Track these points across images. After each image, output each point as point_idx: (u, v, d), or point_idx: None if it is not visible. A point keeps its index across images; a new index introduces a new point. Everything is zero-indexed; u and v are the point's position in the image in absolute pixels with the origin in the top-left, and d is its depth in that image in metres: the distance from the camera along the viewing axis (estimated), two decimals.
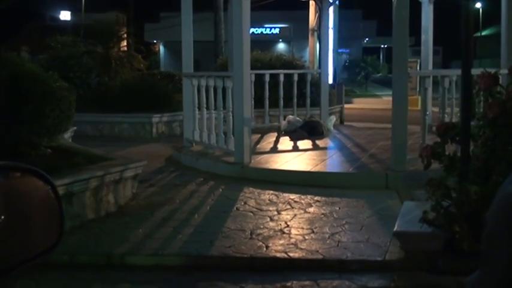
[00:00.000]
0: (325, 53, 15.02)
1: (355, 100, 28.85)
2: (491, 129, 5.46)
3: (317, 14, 17.86)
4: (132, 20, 41.27)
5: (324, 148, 11.71)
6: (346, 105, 18.98)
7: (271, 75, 13.81)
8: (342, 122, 16.95)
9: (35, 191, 1.47)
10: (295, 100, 13.88)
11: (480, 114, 5.77)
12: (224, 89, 10.42)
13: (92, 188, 7.20)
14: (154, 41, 50.18)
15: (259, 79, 13.55)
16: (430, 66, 14.19)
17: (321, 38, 15.51)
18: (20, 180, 1.45)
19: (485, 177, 5.38)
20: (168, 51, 47.93)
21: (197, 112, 11.38)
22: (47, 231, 1.49)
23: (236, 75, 9.77)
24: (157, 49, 51.36)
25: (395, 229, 5.84)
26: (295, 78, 13.93)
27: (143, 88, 15.79)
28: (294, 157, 10.50)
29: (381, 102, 26.00)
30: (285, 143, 12.20)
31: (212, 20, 25.42)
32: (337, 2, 16.06)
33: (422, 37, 14.01)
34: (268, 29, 46.98)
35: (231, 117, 10.21)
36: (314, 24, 20.29)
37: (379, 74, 45.49)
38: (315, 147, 11.68)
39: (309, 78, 14.39)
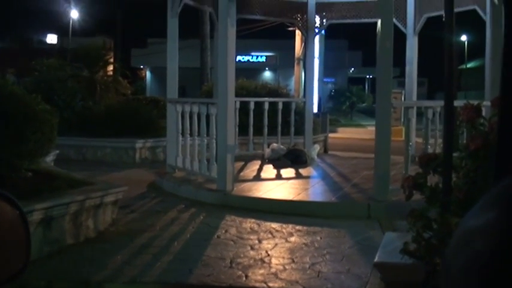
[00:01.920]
0: (310, 82, 15.06)
1: (340, 129, 28.90)
2: (473, 161, 5.46)
3: (303, 44, 17.98)
4: (120, 45, 41.31)
5: (307, 177, 11.70)
6: (330, 134, 18.98)
7: (256, 102, 13.83)
8: (326, 151, 16.94)
9: (2, 216, 1.43)
10: (279, 128, 13.92)
11: (463, 146, 5.77)
12: (208, 116, 10.40)
13: (72, 212, 7.12)
14: (141, 66, 50.27)
15: (244, 106, 13.58)
16: (415, 97, 14.26)
17: (307, 67, 15.58)
18: None
19: (467, 210, 5.35)
20: (155, 76, 48.04)
21: (181, 138, 11.35)
22: (13, 257, 1.45)
23: (220, 102, 9.77)
24: (144, 74, 51.42)
25: (375, 260, 5.80)
26: (280, 106, 13.98)
27: (128, 113, 15.74)
28: (276, 185, 10.47)
29: (366, 132, 26.05)
30: (269, 171, 12.18)
31: (199, 46, 25.53)
32: (323, 32, 16.13)
33: (407, 68, 14.10)
34: (254, 57, 47.27)
35: (214, 144, 10.19)
36: (300, 53, 20.44)
37: (364, 104, 45.70)
38: (298, 176, 11.66)
39: (293, 106, 14.45)
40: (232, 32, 9.72)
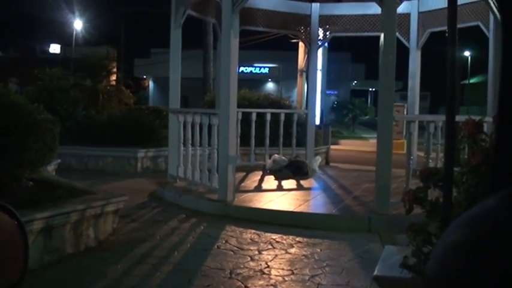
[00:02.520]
0: (313, 94, 15.09)
1: (342, 141, 28.86)
2: (474, 177, 5.45)
3: (306, 56, 17.99)
4: (123, 55, 41.42)
5: (308, 188, 11.69)
6: (332, 146, 19.00)
7: (258, 114, 13.86)
8: (327, 162, 16.94)
9: (0, 226, 1.43)
10: (281, 139, 13.93)
11: (464, 161, 5.77)
12: (210, 126, 10.42)
13: (72, 222, 7.12)
14: (144, 76, 50.32)
15: (246, 117, 13.60)
16: (417, 111, 14.27)
17: (309, 79, 15.59)
18: None
19: None
20: (158, 86, 48.08)
21: (182, 148, 11.37)
22: (11, 267, 1.45)
23: (222, 112, 9.78)
24: (146, 84, 51.46)
25: (375, 273, 5.77)
26: (282, 117, 14.00)
27: (130, 123, 15.76)
28: (277, 196, 10.46)
29: (368, 144, 26.01)
30: (270, 182, 12.18)
31: (202, 57, 25.57)
32: (326, 45, 16.18)
33: (410, 82, 14.12)
34: (257, 68, 47.27)
35: (215, 155, 10.20)
36: (303, 65, 20.48)
37: (367, 117, 45.67)
38: (299, 187, 11.66)
39: (295, 118, 14.46)
40: (235, 43, 9.75)
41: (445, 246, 0.69)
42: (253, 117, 13.67)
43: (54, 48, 48.65)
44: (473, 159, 5.39)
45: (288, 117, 14.41)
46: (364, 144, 27.18)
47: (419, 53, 13.86)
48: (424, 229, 5.69)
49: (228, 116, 9.67)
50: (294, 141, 14.24)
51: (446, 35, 5.42)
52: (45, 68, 19.40)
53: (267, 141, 13.77)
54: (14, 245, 1.45)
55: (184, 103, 12.47)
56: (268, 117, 13.78)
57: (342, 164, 16.87)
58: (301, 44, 19.85)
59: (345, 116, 42.43)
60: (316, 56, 15.15)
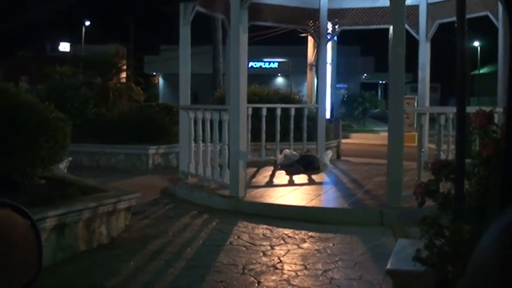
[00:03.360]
0: (323, 88, 15.05)
1: (353, 135, 28.86)
2: (485, 168, 5.43)
3: (315, 50, 17.95)
4: (132, 52, 41.48)
5: (320, 183, 11.68)
6: (343, 140, 18.95)
7: (268, 109, 13.82)
8: (338, 156, 16.91)
9: (13, 226, 1.44)
10: (291, 134, 13.90)
11: (475, 153, 5.74)
12: (220, 122, 10.43)
13: (85, 219, 7.15)
14: (154, 73, 50.36)
15: (256, 113, 13.57)
16: (427, 103, 14.22)
17: (319, 73, 15.57)
18: None
19: (479, 217, 5.34)
20: (168, 83, 48.11)
21: (193, 144, 11.37)
22: (25, 266, 1.46)
23: (232, 108, 9.79)
24: (156, 81, 51.53)
25: (388, 267, 5.77)
26: (292, 112, 13.95)
27: (140, 120, 15.79)
28: (289, 191, 10.46)
29: (379, 137, 25.98)
30: (281, 177, 12.18)
31: (211, 53, 25.56)
32: (335, 38, 16.13)
33: (420, 74, 14.07)
34: (267, 63, 47.24)
35: (226, 150, 10.21)
36: (312, 59, 20.40)
37: (377, 110, 45.60)
38: (311, 182, 11.65)
39: (306, 112, 14.40)
40: (244, 38, 9.74)
41: (481, 262, 0.65)
42: (264, 112, 13.64)
43: (64, 47, 48.71)
44: (484, 150, 5.38)
45: (298, 111, 14.37)
46: (375, 138, 27.16)
47: (428, 45, 13.80)
48: (437, 222, 5.68)
49: (238, 111, 9.67)
50: (305, 135, 14.19)
51: (456, 25, 5.40)
52: (56, 67, 19.48)
53: (278, 136, 13.74)
54: (27, 245, 1.45)
55: (194, 99, 12.50)
56: (279, 112, 13.74)
57: (353, 158, 16.84)
58: (310, 38, 19.75)
59: (355, 109, 42.39)
60: (326, 49, 15.10)
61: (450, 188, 6.14)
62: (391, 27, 8.80)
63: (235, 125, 9.72)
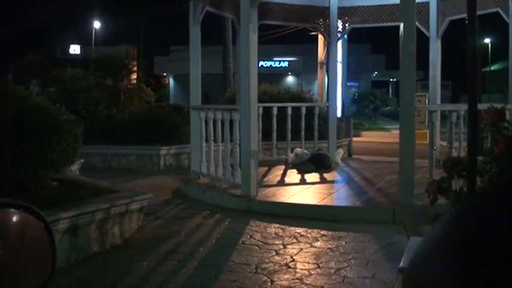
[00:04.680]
0: (334, 86, 15.05)
1: (364, 133, 28.80)
2: (497, 165, 5.42)
3: (326, 48, 17.93)
4: (143, 53, 41.56)
5: (332, 181, 11.68)
6: (354, 138, 18.94)
7: (279, 108, 13.82)
8: (350, 155, 16.90)
9: (26, 228, 1.45)
10: (303, 133, 13.90)
11: (487, 150, 5.73)
12: (231, 122, 10.44)
13: (97, 220, 7.17)
14: (164, 74, 50.45)
15: (267, 112, 13.58)
16: (439, 101, 14.19)
17: (329, 72, 15.56)
18: (10, 216, 1.43)
19: None
20: (178, 83, 48.19)
21: (204, 144, 11.40)
22: (39, 267, 1.47)
23: (243, 108, 9.79)
24: (167, 82, 51.61)
25: (400, 265, 5.76)
26: (303, 111, 13.94)
27: (151, 120, 15.84)
28: (301, 190, 10.46)
29: (390, 135, 25.92)
30: (293, 176, 12.18)
31: (221, 53, 25.57)
32: (345, 36, 16.13)
33: (430, 72, 14.03)
34: (277, 62, 47.18)
35: (238, 150, 10.22)
36: (323, 58, 20.38)
37: (388, 108, 45.44)
38: (323, 181, 11.65)
39: (317, 111, 14.38)
40: (254, 37, 9.74)
41: (426, 242, 0.63)
42: (274, 111, 13.65)
43: (74, 49, 48.86)
44: (496, 147, 5.37)
45: (310, 110, 14.35)
46: (386, 135, 27.09)
47: (439, 42, 13.76)
48: None
49: (249, 111, 9.68)
50: (316, 134, 14.18)
51: (466, 22, 5.39)
52: (66, 69, 19.54)
53: (289, 135, 13.75)
54: (41, 246, 1.47)
55: (205, 99, 12.51)
56: (289, 111, 13.74)
57: (364, 156, 16.83)
58: (320, 37, 19.75)
59: (366, 107, 42.27)
60: (336, 48, 15.10)
61: (462, 186, 6.13)
62: (401, 25, 8.78)
63: (246, 125, 9.73)
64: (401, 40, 8.73)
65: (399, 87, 9.22)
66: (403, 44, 8.69)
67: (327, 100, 15.76)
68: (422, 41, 12.38)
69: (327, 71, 17.40)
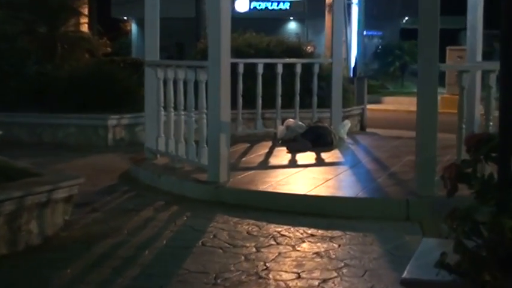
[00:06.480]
0: (338, 36, 14.90)
1: (386, 99, 28.74)
2: None
3: None
4: None
5: (331, 163, 11.68)
6: (372, 106, 18.98)
7: (266, 65, 13.74)
8: (362, 128, 16.89)
9: None
10: (297, 99, 13.85)
11: None
12: (197, 84, 10.34)
13: (7, 213, 7.10)
14: (125, 18, 50.24)
15: (251, 70, 13.49)
16: (479, 57, 14.06)
17: (334, 16, 15.36)
18: None
19: None
20: (143, 31, 47.98)
21: (163, 113, 11.30)
22: None
23: (211, 65, 9.70)
24: (128, 28, 51.40)
25: (403, 276, 5.72)
26: (299, 69, 13.86)
27: (98, 80, 15.70)
28: (289, 175, 10.44)
29: None
30: (280, 155, 12.17)
31: None
32: None
33: (468, 18, 13.83)
34: (275, 4, 46.92)
35: (204, 121, 10.14)
36: None
37: None
38: (320, 163, 11.66)
39: (316, 69, 14.27)
40: None
41: None
42: (260, 69, 13.56)
43: None
44: None
45: (308, 68, 14.28)
46: (414, 102, 27.07)
47: None
48: (470, 216, 5.62)
49: (219, 68, 9.57)
50: (315, 100, 14.11)
51: None
52: None
53: (279, 102, 13.70)
54: None
55: (179, 52, 12.40)
56: (280, 69, 13.66)
57: (381, 130, 16.84)
58: None
59: (392, 64, 42.06)
60: None
61: (491, 171, 6.08)
62: None
63: (215, 87, 9.62)
64: None
65: (417, 38, 9.10)
66: None
67: (331, 55, 15.59)
68: None
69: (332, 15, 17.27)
